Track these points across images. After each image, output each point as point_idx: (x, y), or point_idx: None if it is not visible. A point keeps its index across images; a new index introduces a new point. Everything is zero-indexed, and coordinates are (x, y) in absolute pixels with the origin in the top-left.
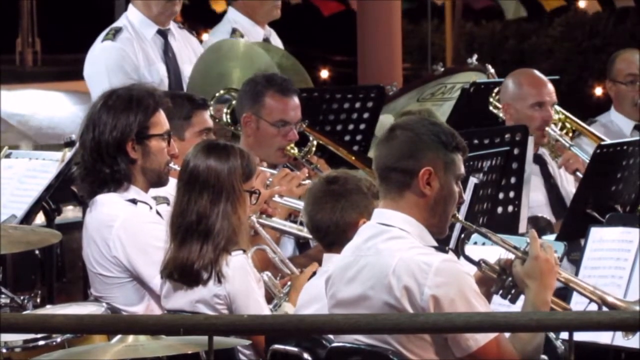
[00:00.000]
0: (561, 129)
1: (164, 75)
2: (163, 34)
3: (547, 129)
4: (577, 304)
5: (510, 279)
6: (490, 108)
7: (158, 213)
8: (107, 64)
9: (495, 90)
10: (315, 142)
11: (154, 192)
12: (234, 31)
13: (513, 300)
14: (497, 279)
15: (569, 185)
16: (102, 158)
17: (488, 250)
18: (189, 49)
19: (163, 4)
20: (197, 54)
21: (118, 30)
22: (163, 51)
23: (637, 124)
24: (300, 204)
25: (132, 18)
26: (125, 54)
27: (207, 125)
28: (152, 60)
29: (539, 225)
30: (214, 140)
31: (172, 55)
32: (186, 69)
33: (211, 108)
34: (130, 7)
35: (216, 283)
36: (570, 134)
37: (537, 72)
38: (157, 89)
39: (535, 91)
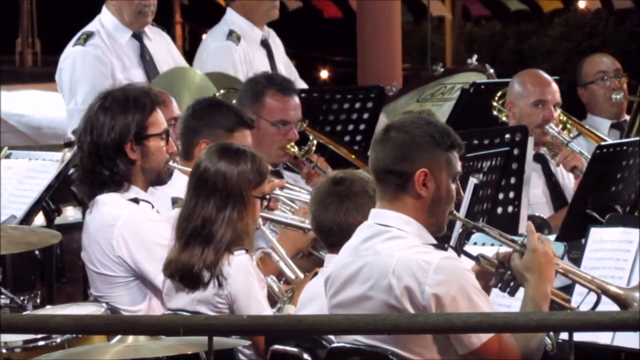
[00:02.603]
0: (562, 130)
1: (141, 80)
2: (138, 36)
3: (546, 126)
4: (578, 295)
5: (509, 272)
6: (495, 112)
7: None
8: (75, 70)
9: (499, 93)
10: (315, 141)
11: (175, 192)
12: (230, 33)
13: (512, 293)
14: (495, 273)
15: (570, 182)
16: (101, 160)
17: (487, 251)
18: (164, 48)
19: (134, 16)
20: (171, 51)
21: (90, 35)
22: (140, 55)
23: (613, 122)
24: (301, 194)
25: (105, 21)
26: (96, 59)
27: (245, 144)
28: (127, 67)
29: (535, 224)
30: (229, 143)
31: (150, 57)
32: (164, 70)
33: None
34: (104, 9)
35: (217, 286)
36: (571, 135)
37: (542, 72)
38: (152, 89)
39: (538, 90)
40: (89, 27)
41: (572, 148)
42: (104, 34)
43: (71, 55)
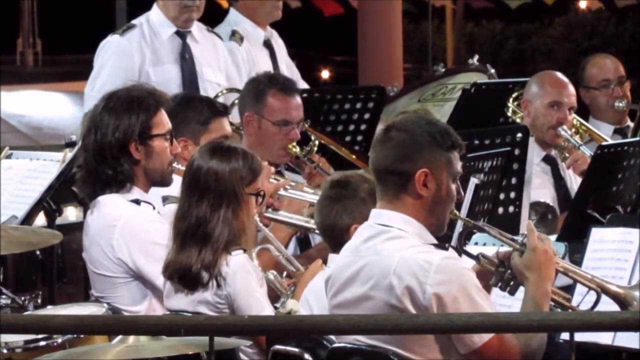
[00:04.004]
0: (575, 134)
1: (174, 77)
2: (182, 35)
3: (558, 128)
4: (578, 295)
5: (509, 271)
6: (509, 113)
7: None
8: (104, 58)
9: (514, 95)
10: (317, 142)
11: (165, 191)
12: (233, 33)
13: (512, 292)
14: (496, 272)
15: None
16: (106, 160)
17: (488, 250)
18: (212, 53)
19: (179, 10)
20: (219, 57)
21: (130, 27)
22: (179, 52)
23: (617, 128)
24: (306, 196)
25: (152, 17)
26: (126, 51)
27: (224, 133)
28: (162, 61)
29: (540, 210)
30: (220, 141)
31: (190, 57)
32: (206, 72)
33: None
34: (154, 6)
35: (216, 286)
36: (583, 140)
37: (561, 75)
38: (157, 89)
39: (555, 91)
40: (134, 20)
41: (584, 152)
42: (146, 27)
43: (107, 44)
